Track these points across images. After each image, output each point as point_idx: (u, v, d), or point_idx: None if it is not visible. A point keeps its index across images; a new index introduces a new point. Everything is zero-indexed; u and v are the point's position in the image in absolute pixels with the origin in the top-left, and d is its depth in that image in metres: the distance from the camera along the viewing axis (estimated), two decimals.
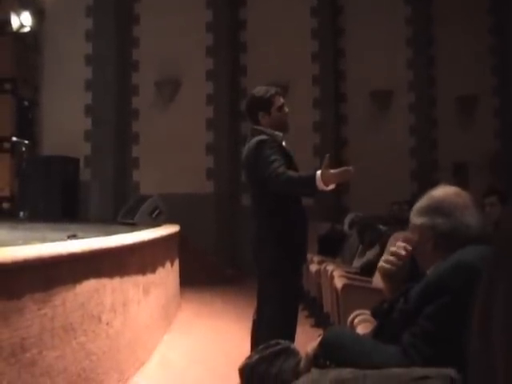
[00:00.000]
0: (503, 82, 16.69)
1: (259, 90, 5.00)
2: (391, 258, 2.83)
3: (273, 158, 4.62)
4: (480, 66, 16.44)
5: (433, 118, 16.82)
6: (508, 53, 16.50)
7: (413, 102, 16.71)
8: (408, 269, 2.81)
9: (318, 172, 4.39)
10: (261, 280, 4.93)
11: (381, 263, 2.93)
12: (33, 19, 14.95)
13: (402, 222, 8.29)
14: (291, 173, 4.60)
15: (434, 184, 2.85)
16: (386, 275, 2.88)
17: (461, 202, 2.63)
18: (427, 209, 2.66)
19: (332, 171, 4.36)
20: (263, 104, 4.90)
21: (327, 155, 4.48)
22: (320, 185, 4.37)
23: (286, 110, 4.98)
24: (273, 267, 4.73)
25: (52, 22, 16.10)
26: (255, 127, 4.94)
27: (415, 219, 2.72)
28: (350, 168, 4.39)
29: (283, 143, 4.87)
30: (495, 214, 6.38)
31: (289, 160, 4.75)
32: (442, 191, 2.70)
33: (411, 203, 2.84)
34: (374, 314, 2.97)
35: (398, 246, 2.84)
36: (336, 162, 4.63)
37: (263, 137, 4.78)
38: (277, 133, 4.87)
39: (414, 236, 2.75)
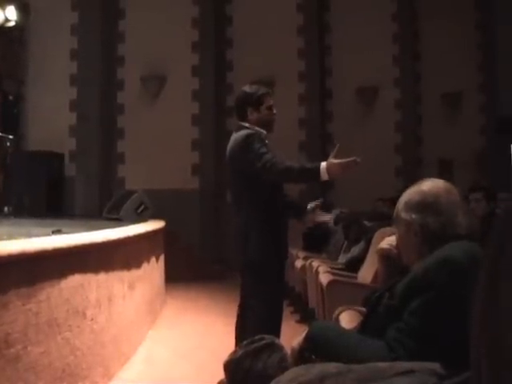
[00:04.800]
0: (489, 78, 16.76)
1: (251, 87, 5.08)
2: (393, 239, 2.85)
3: (263, 150, 4.69)
4: (466, 63, 16.49)
5: (418, 115, 16.89)
6: (494, 49, 16.57)
7: (398, 99, 16.77)
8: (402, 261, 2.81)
9: (324, 163, 4.44)
10: (244, 274, 4.95)
11: (380, 245, 2.94)
12: (18, 13, 14.89)
13: (387, 219, 8.32)
14: (290, 163, 4.67)
15: (418, 181, 2.80)
16: (384, 257, 2.89)
17: (453, 199, 2.59)
18: (418, 205, 2.59)
19: (339, 161, 4.41)
20: (254, 100, 4.95)
21: (337, 145, 4.52)
22: (324, 176, 4.44)
23: (275, 111, 5.02)
24: (257, 259, 4.75)
25: (37, 16, 16.01)
26: (242, 123, 4.98)
27: (404, 214, 2.65)
28: (356, 158, 4.42)
29: (266, 141, 4.90)
30: (480, 209, 6.43)
31: None
32: (435, 187, 2.62)
33: (396, 200, 2.79)
34: (365, 304, 2.98)
35: None
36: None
37: (249, 131, 4.82)
38: (262, 130, 4.90)
39: (399, 229, 2.74)
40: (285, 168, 4.61)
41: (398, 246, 2.85)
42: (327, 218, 4.90)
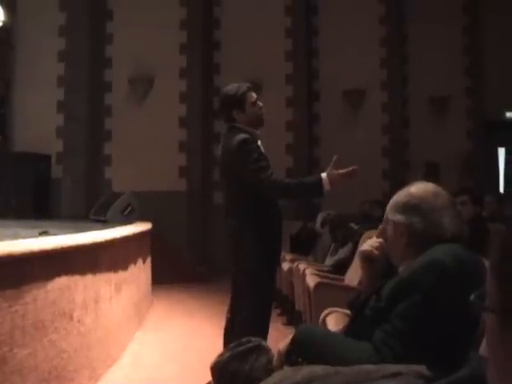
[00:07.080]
0: (476, 82, 16.80)
1: (231, 88, 4.96)
2: (374, 241, 2.86)
3: (262, 163, 4.65)
4: (453, 67, 16.52)
5: (405, 118, 16.89)
6: (481, 53, 16.61)
7: (385, 102, 16.77)
8: (385, 263, 2.82)
9: (324, 174, 4.46)
10: (236, 278, 4.92)
11: (362, 247, 2.95)
12: (5, 14, 14.81)
13: (373, 221, 8.34)
14: (288, 180, 4.66)
15: (405, 184, 2.82)
16: (366, 260, 2.89)
17: (439, 202, 2.60)
18: (405, 206, 2.62)
19: (340, 172, 4.45)
20: (237, 102, 4.86)
21: (336, 156, 4.53)
22: (326, 186, 4.45)
23: (260, 104, 4.95)
24: (251, 267, 4.72)
25: (24, 17, 15.93)
26: (233, 125, 4.88)
27: (391, 214, 2.69)
28: (356, 167, 4.44)
29: (259, 142, 4.86)
30: (466, 212, 6.45)
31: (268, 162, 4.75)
32: (422, 189, 2.65)
33: (383, 202, 2.83)
34: (350, 307, 2.98)
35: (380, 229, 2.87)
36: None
37: (243, 135, 4.74)
38: (253, 130, 4.84)
39: (388, 230, 2.75)
40: (285, 187, 4.59)
41: (378, 248, 2.86)
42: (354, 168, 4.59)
